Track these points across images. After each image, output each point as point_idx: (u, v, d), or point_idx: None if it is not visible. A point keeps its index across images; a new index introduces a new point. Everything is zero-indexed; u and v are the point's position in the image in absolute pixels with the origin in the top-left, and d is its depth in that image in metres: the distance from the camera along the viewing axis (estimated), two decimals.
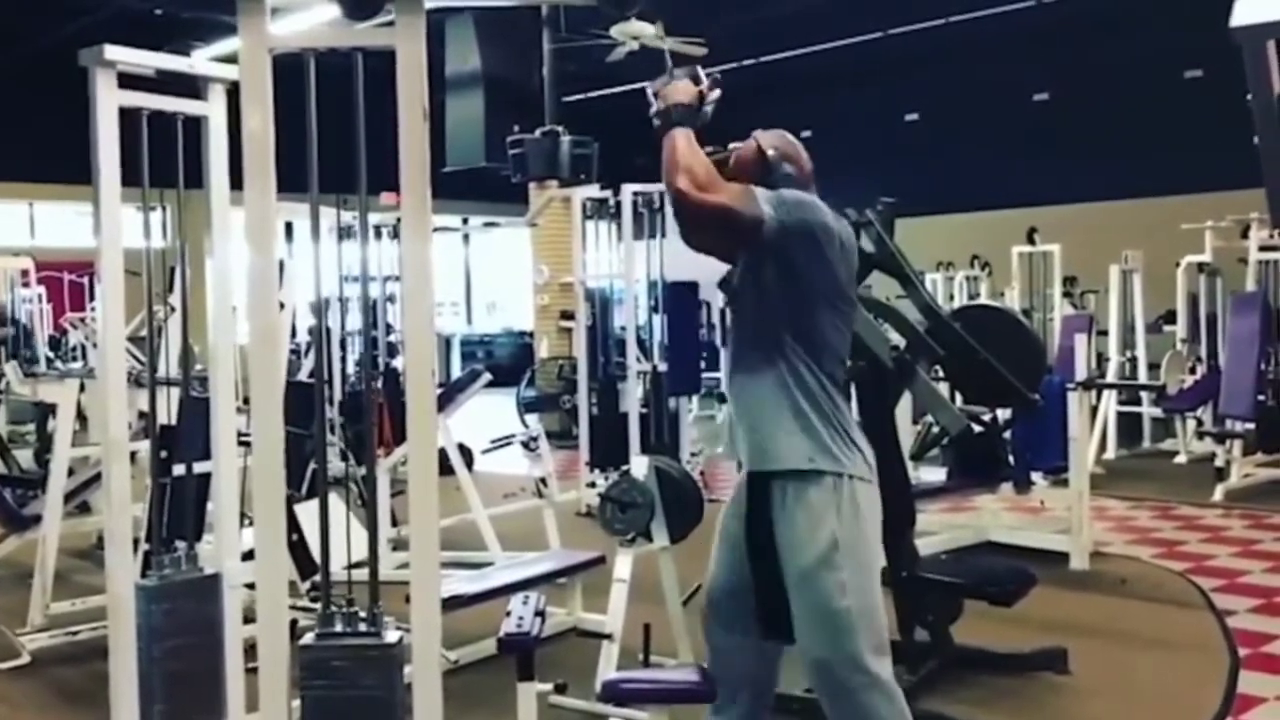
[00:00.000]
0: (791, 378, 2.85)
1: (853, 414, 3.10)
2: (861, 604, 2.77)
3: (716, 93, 2.92)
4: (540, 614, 2.72)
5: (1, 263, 12.09)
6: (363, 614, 2.69)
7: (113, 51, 3.28)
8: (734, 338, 3.01)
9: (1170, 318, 10.81)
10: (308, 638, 2.69)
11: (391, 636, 2.67)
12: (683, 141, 2.82)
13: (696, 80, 2.91)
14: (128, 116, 3.40)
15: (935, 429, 4.18)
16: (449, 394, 6.68)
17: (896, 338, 4.26)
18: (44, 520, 5.27)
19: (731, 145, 3.09)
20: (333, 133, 2.59)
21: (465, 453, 7.10)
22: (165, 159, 3.54)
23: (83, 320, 11.79)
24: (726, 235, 2.90)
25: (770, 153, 3.00)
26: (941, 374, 4.75)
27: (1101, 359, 10.58)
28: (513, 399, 12.18)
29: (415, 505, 2.67)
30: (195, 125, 3.63)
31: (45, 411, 8.20)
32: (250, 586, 3.39)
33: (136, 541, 4.01)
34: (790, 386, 2.85)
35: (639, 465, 4.04)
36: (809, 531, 2.78)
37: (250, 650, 3.32)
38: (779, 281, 2.86)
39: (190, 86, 3.60)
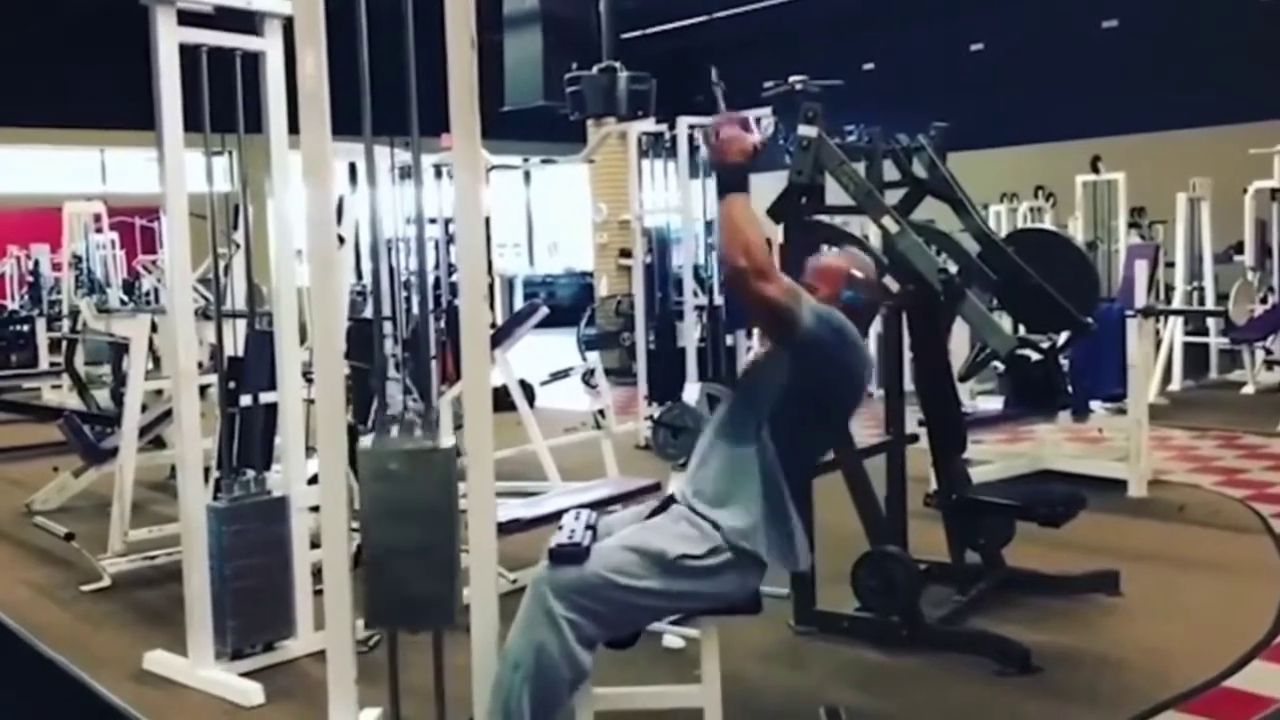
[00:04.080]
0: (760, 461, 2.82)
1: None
2: None
3: (769, 132, 2.89)
4: (591, 528, 2.80)
5: (75, 208, 12.36)
6: None
7: None
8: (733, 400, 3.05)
9: (1240, 248, 10.58)
10: None
11: None
12: (740, 212, 2.73)
13: (747, 127, 2.84)
14: (189, 60, 3.50)
15: (984, 352, 4.16)
16: (508, 328, 6.76)
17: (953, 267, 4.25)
18: (120, 452, 5.49)
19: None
20: (393, 76, 2.66)
21: (526, 389, 7.21)
22: (227, 107, 3.65)
23: (154, 263, 12.04)
24: (762, 322, 2.98)
25: (856, 273, 3.04)
26: (998, 303, 4.74)
27: (1169, 290, 10.42)
28: (574, 338, 12.29)
29: (470, 431, 2.76)
30: (255, 69, 3.72)
31: (120, 352, 8.41)
32: (316, 510, 3.53)
33: (207, 471, 4.17)
34: (758, 470, 2.81)
35: (691, 391, 4.10)
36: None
37: (318, 573, 3.46)
38: (788, 380, 2.83)
39: (248, 24, 3.70)
